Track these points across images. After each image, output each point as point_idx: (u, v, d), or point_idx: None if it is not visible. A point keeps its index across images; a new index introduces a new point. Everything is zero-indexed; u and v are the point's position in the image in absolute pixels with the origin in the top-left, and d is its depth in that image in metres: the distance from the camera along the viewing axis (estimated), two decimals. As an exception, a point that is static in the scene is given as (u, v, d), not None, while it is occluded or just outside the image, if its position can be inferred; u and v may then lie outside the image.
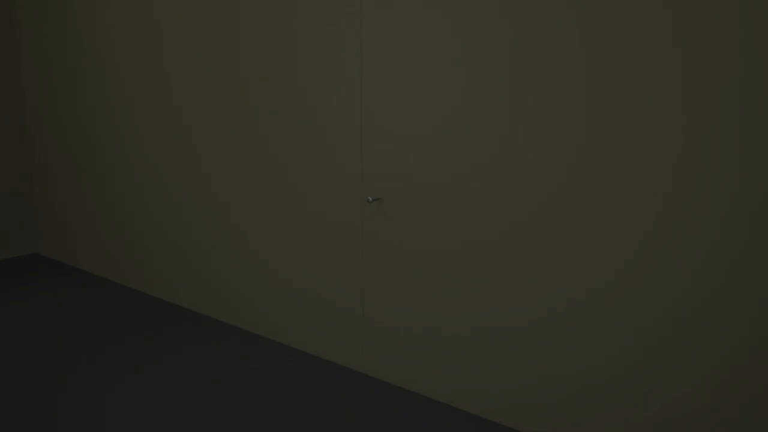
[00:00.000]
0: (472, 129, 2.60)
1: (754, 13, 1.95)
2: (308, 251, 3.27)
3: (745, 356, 2.11)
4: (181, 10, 3.62)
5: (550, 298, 2.50)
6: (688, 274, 2.18)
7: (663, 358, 2.27)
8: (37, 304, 4.07)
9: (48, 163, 4.85)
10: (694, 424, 2.24)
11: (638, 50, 2.16)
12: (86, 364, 3.28)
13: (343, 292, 3.17)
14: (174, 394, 2.98)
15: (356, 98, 2.93)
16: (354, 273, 3.10)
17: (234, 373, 3.19)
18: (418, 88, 2.72)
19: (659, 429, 2.32)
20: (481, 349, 2.73)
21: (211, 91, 3.56)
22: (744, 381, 2.13)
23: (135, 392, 2.99)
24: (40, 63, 4.69)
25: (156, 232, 4.10)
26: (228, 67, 3.44)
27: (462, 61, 2.57)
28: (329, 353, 3.30)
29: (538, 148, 2.44)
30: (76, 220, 4.71)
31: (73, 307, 4.04)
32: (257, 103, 3.35)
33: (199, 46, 3.57)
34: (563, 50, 2.32)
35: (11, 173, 5.02)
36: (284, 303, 3.45)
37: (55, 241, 4.97)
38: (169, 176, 3.93)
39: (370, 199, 2.89)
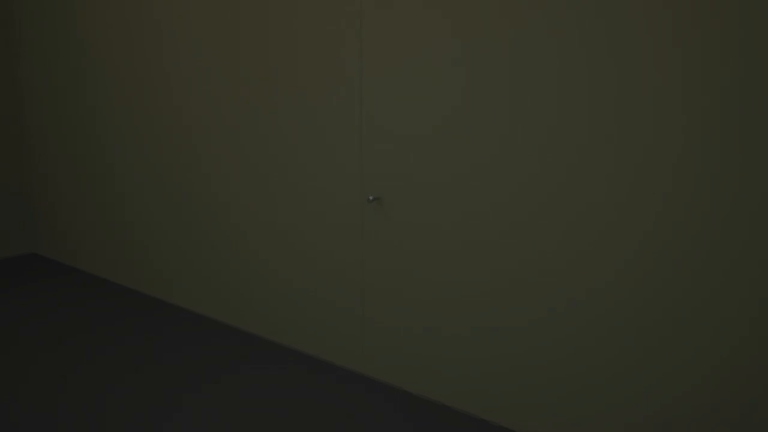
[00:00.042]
0: (472, 129, 2.60)
1: (754, 13, 1.95)
2: (308, 251, 3.27)
3: (745, 356, 2.11)
4: (181, 10, 3.62)
5: (550, 298, 2.50)
6: (688, 274, 2.18)
7: (663, 358, 2.27)
8: (37, 304, 4.07)
9: (47, 162, 4.84)
10: (694, 424, 2.24)
11: (638, 50, 2.16)
12: (86, 364, 3.28)
13: (343, 292, 3.17)
14: (174, 394, 2.98)
15: (356, 98, 2.93)
16: (354, 273, 3.10)
17: (234, 373, 3.19)
18: (418, 88, 2.72)
19: (659, 429, 2.32)
20: (481, 349, 2.73)
21: (211, 91, 3.56)
22: (744, 381, 2.13)
23: (135, 392, 2.99)
24: (39, 63, 4.69)
25: (156, 232, 4.10)
26: (228, 67, 3.44)
27: (462, 61, 2.57)
28: (329, 353, 3.30)
29: (538, 148, 2.44)
30: (75, 219, 4.71)
31: (73, 307, 4.04)
32: (257, 103, 3.35)
33: (199, 46, 3.57)
34: (563, 50, 2.32)
35: (10, 172, 5.02)
36: (284, 303, 3.45)
37: (54, 240, 4.97)
38: (169, 176, 3.93)
39: (371, 198, 2.89)
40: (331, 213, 3.14)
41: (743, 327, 2.10)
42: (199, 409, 2.85)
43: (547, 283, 2.50)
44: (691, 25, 2.06)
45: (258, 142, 3.38)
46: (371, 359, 3.12)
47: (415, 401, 2.93)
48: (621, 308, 2.34)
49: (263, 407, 2.86)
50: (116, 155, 4.26)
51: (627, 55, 2.19)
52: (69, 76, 4.47)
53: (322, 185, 3.15)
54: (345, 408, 2.86)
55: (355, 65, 2.91)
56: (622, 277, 2.32)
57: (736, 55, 2.00)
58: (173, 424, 2.73)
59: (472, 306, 2.72)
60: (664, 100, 2.14)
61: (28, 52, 4.78)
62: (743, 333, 2.11)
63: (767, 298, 2.05)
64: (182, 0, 3.60)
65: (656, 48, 2.13)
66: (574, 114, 2.33)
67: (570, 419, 2.53)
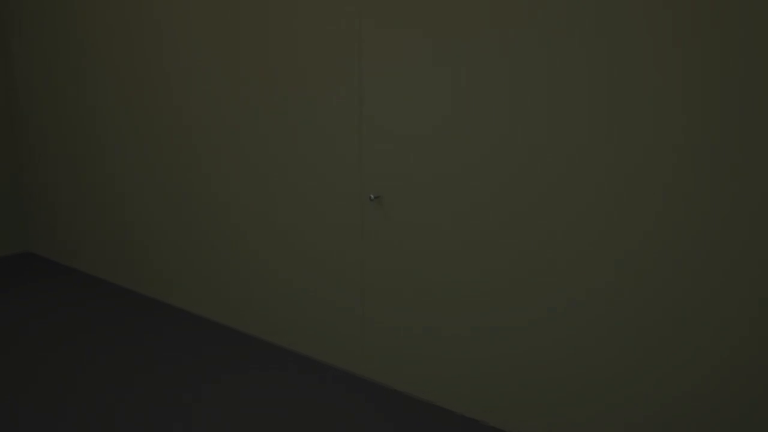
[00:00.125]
0: (471, 128, 2.60)
1: (754, 14, 1.95)
2: (308, 251, 3.27)
3: (745, 356, 2.11)
4: (181, 10, 3.62)
5: (550, 298, 2.50)
6: (688, 274, 2.18)
7: (663, 358, 2.27)
8: (36, 304, 4.07)
9: (47, 161, 4.84)
10: (694, 424, 2.24)
11: (638, 50, 2.16)
12: (86, 364, 3.28)
13: (343, 292, 3.17)
14: (174, 394, 2.98)
15: (356, 98, 2.93)
16: (354, 273, 3.10)
17: (234, 373, 3.19)
18: (418, 88, 2.72)
19: (659, 429, 2.32)
20: (481, 349, 2.73)
21: (211, 91, 3.56)
22: (744, 381, 2.13)
23: (135, 392, 2.99)
24: (39, 62, 4.69)
25: (156, 232, 4.10)
26: (228, 67, 3.44)
27: (462, 60, 2.57)
28: (329, 353, 3.29)
29: (538, 148, 2.44)
30: (75, 219, 4.71)
31: (73, 307, 4.04)
32: (257, 103, 3.35)
33: (199, 46, 3.57)
34: (563, 50, 2.32)
35: (7, 171, 5.02)
36: (284, 303, 3.44)
37: (51, 240, 4.97)
38: (169, 176, 3.93)
39: (373, 196, 2.89)
40: (331, 213, 3.14)
41: (743, 327, 2.10)
42: (199, 409, 2.85)
43: (547, 283, 2.50)
44: (691, 25, 2.06)
45: (258, 142, 3.38)
46: (371, 359, 3.12)
47: (415, 401, 2.93)
48: (621, 308, 2.34)
49: (263, 407, 2.86)
50: (116, 155, 4.26)
51: (627, 55, 2.19)
52: (69, 76, 4.47)
53: (322, 185, 3.15)
54: (345, 408, 2.86)
55: (355, 65, 2.91)
56: (622, 278, 2.32)
57: (736, 55, 2.00)
58: (173, 424, 2.73)
59: (472, 306, 2.72)
60: (664, 100, 2.14)
61: (28, 52, 4.78)
62: (743, 333, 2.11)
63: (767, 298, 2.05)
64: (182, 0, 3.60)
65: (656, 48, 2.13)
66: (574, 114, 2.33)
67: (570, 419, 2.53)
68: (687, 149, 2.12)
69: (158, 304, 4.10)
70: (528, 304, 2.56)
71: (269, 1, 3.19)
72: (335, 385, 3.07)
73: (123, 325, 3.77)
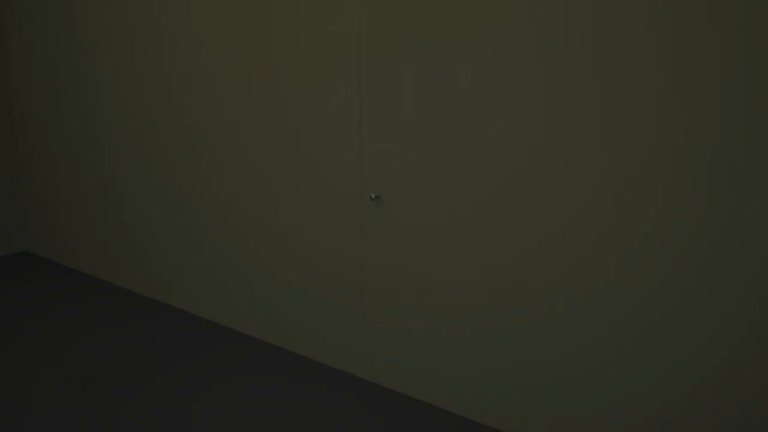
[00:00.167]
0: (472, 128, 2.60)
1: (754, 14, 1.95)
2: (308, 251, 3.27)
3: (745, 356, 2.11)
4: (181, 10, 3.62)
5: (550, 298, 2.50)
6: (688, 274, 2.18)
7: (663, 358, 2.27)
8: (36, 304, 4.07)
9: (47, 161, 4.84)
10: (694, 424, 2.24)
11: (638, 50, 2.17)
12: (86, 364, 3.28)
13: (343, 292, 3.17)
14: (174, 394, 2.98)
15: (356, 98, 2.93)
16: (354, 273, 3.10)
17: (234, 373, 3.19)
18: (418, 88, 2.72)
19: (659, 429, 2.32)
20: (481, 349, 2.73)
21: (211, 91, 3.56)
22: (744, 381, 2.13)
23: (135, 392, 2.99)
24: (39, 62, 4.69)
25: (156, 232, 4.10)
26: (228, 67, 3.44)
27: (462, 60, 2.57)
28: (329, 353, 3.30)
29: (538, 148, 2.44)
30: (75, 219, 4.71)
31: (73, 307, 4.04)
32: (257, 103, 3.35)
33: (199, 46, 3.57)
34: (564, 50, 2.32)
35: (4, 170, 5.02)
36: (284, 303, 3.45)
37: (50, 239, 4.97)
38: (169, 176, 3.93)
39: (373, 195, 2.89)
40: (331, 213, 3.14)
41: (743, 327, 2.10)
42: (199, 409, 2.85)
43: (547, 283, 2.50)
44: (691, 25, 2.06)
45: (258, 142, 3.38)
46: (371, 359, 3.12)
47: (415, 401, 2.93)
48: (621, 308, 2.34)
49: (263, 407, 2.86)
50: (116, 155, 4.26)
51: (627, 55, 2.19)
52: (69, 76, 4.47)
53: (322, 185, 3.15)
54: (345, 408, 2.86)
55: (355, 65, 2.91)
56: (622, 277, 2.32)
57: (736, 55, 2.00)
58: (173, 424, 2.73)
59: (472, 306, 2.72)
60: (664, 100, 2.14)
61: (28, 52, 4.78)
62: (743, 333, 2.11)
63: (767, 298, 2.05)
64: (182, 0, 3.60)
65: (656, 48, 2.13)
66: (574, 114, 2.33)
67: (570, 419, 2.53)
68: (687, 149, 2.12)
69: (158, 305, 4.09)
70: (528, 304, 2.56)
71: (269, 1, 3.19)
72: (335, 385, 3.07)
73: (123, 325, 3.77)
